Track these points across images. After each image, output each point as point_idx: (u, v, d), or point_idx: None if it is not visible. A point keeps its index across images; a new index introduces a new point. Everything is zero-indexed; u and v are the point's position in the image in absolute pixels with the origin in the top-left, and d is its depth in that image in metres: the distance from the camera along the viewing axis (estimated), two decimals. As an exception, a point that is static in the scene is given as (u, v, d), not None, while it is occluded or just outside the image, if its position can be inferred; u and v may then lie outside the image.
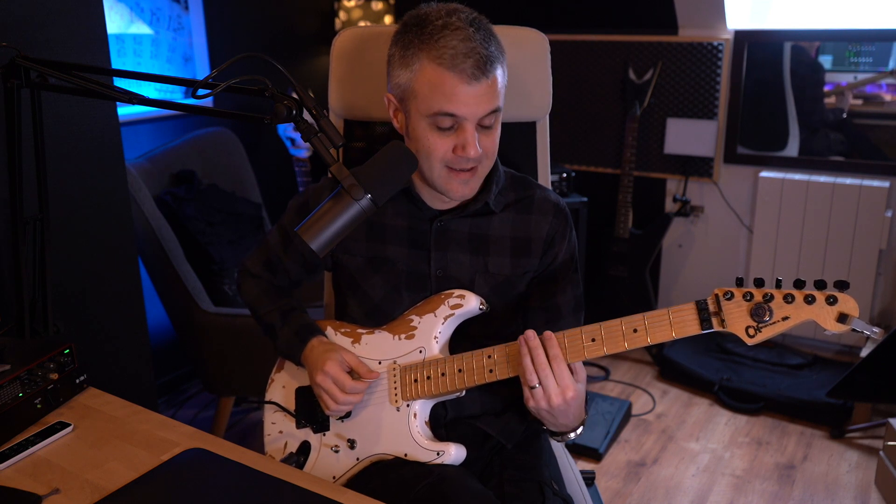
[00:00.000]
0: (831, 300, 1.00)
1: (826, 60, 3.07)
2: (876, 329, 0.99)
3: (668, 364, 3.16)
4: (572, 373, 1.12)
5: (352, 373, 1.26)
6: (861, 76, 2.99)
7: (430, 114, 1.16)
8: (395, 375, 1.27)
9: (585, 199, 3.02)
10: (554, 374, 1.10)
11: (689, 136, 3.26)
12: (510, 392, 1.35)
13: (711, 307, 1.06)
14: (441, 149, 1.18)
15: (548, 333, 1.12)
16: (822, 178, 3.03)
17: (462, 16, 1.15)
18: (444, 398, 1.27)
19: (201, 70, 3.06)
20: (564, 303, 1.33)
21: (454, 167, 1.20)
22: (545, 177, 1.58)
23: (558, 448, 1.52)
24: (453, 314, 1.26)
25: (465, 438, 1.29)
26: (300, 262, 1.41)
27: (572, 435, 1.20)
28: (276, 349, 1.40)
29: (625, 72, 3.31)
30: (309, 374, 1.30)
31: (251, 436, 2.77)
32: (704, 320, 1.06)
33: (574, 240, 1.36)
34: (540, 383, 1.10)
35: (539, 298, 1.33)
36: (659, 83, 3.26)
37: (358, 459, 1.30)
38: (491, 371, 1.19)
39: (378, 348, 1.31)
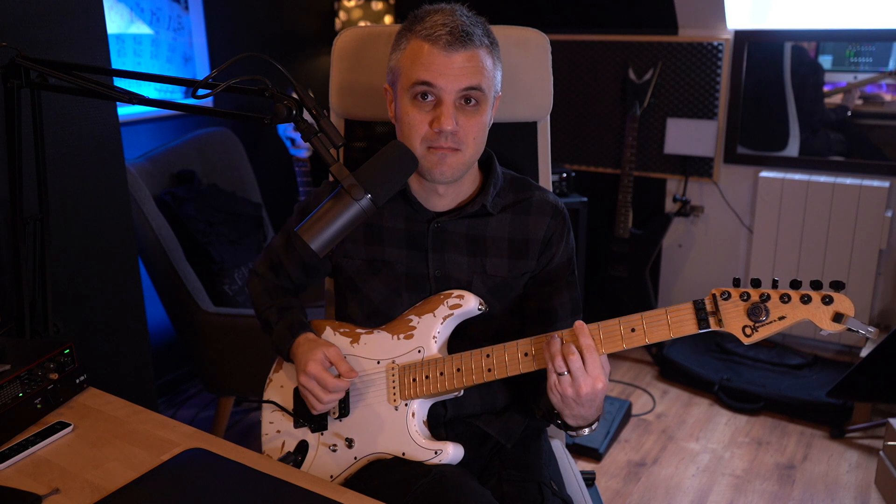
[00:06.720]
0: (827, 300, 1.00)
1: (826, 60, 3.06)
2: (871, 328, 1.00)
3: (668, 364, 3.17)
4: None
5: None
6: (861, 76, 2.99)
7: (410, 85, 1.19)
8: (393, 375, 1.27)
9: (585, 199, 3.02)
10: (585, 363, 1.07)
11: (689, 136, 3.26)
12: (510, 392, 1.36)
13: (709, 307, 1.06)
14: (420, 123, 1.19)
15: (579, 323, 1.10)
16: (822, 178, 3.03)
17: (456, 7, 1.21)
18: (442, 398, 1.27)
19: (201, 70, 3.06)
20: (561, 305, 1.32)
21: (433, 145, 1.20)
22: (546, 177, 1.57)
23: (558, 448, 1.52)
24: (452, 314, 1.26)
25: (464, 438, 1.29)
26: (300, 265, 1.42)
27: (587, 430, 1.19)
28: (271, 344, 1.40)
29: (625, 72, 3.31)
30: (296, 375, 1.31)
31: (251, 436, 2.77)
32: (702, 320, 1.06)
33: (572, 243, 1.36)
34: (568, 370, 1.08)
35: (536, 300, 1.33)
36: (659, 83, 3.26)
37: (356, 458, 1.30)
38: (489, 370, 1.19)
39: (377, 348, 1.31)
